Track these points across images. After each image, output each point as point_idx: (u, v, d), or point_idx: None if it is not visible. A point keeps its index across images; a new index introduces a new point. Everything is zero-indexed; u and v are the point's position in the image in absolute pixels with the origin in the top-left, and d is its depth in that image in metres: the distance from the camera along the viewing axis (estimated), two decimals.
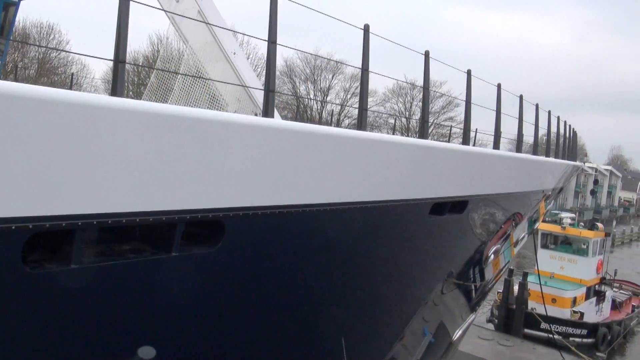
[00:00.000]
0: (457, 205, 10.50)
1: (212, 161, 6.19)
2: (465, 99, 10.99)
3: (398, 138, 10.91)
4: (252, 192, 6.65)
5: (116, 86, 5.98)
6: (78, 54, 51.23)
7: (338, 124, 48.22)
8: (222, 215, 6.34)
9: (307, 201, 7.27)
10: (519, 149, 14.48)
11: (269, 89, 6.75)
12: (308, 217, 7.42)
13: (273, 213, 6.90)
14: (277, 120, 6.99)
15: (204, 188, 6.20)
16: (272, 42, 6.72)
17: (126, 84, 41.43)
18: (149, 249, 6.44)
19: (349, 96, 58.71)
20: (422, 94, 10.37)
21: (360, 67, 8.22)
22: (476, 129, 20.30)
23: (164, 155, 5.78)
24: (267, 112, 6.74)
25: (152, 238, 6.42)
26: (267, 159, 6.72)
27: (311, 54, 52.42)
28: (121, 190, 5.56)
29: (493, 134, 12.48)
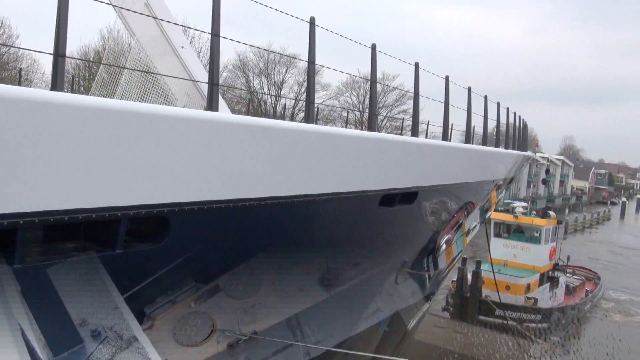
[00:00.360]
0: (407, 196, 10.60)
1: (155, 156, 6.13)
2: (413, 91, 11.09)
3: (345, 130, 10.93)
4: (197, 187, 6.61)
5: (56, 80, 5.86)
6: (19, 48, 49.78)
7: (292, 118, 48.14)
8: (167, 210, 6.30)
9: (253, 195, 7.26)
10: (468, 140, 14.69)
11: (213, 82, 6.70)
12: (256, 211, 7.41)
13: (219, 207, 6.88)
14: (221, 114, 6.93)
15: (148, 184, 6.14)
16: (215, 34, 6.67)
17: (77, 79, 40.62)
18: (94, 247, 6.36)
19: (302, 90, 58.41)
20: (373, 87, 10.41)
21: (307, 60, 8.22)
22: (428, 121, 20.49)
23: (106, 151, 5.70)
24: (211, 105, 6.70)
25: (97, 235, 6.34)
26: (212, 153, 6.67)
27: (259, 47, 52.01)
28: (63, 187, 5.47)
29: (442, 125, 12.64)
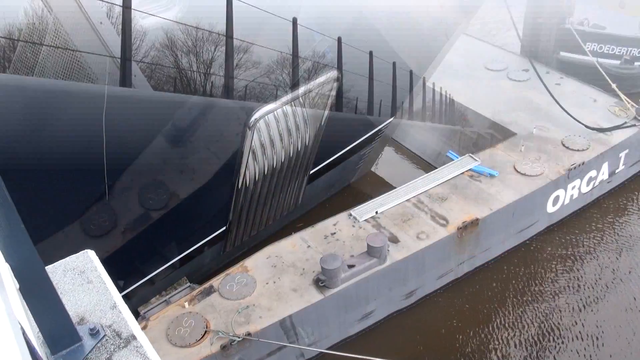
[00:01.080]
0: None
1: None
2: (337, 66, 11.11)
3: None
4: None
5: None
6: None
7: None
8: None
9: None
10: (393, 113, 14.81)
11: (126, 57, 6.54)
12: None
13: None
14: (132, 90, 6.75)
15: None
16: (126, 7, 6.50)
17: (2, 60, 38.96)
18: None
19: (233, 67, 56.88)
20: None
21: (225, 34, 8.10)
22: (357, 98, 20.55)
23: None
24: (124, 82, 6.54)
25: None
26: (127, 128, 6.55)
27: (176, 22, 50.89)
28: None
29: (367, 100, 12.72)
